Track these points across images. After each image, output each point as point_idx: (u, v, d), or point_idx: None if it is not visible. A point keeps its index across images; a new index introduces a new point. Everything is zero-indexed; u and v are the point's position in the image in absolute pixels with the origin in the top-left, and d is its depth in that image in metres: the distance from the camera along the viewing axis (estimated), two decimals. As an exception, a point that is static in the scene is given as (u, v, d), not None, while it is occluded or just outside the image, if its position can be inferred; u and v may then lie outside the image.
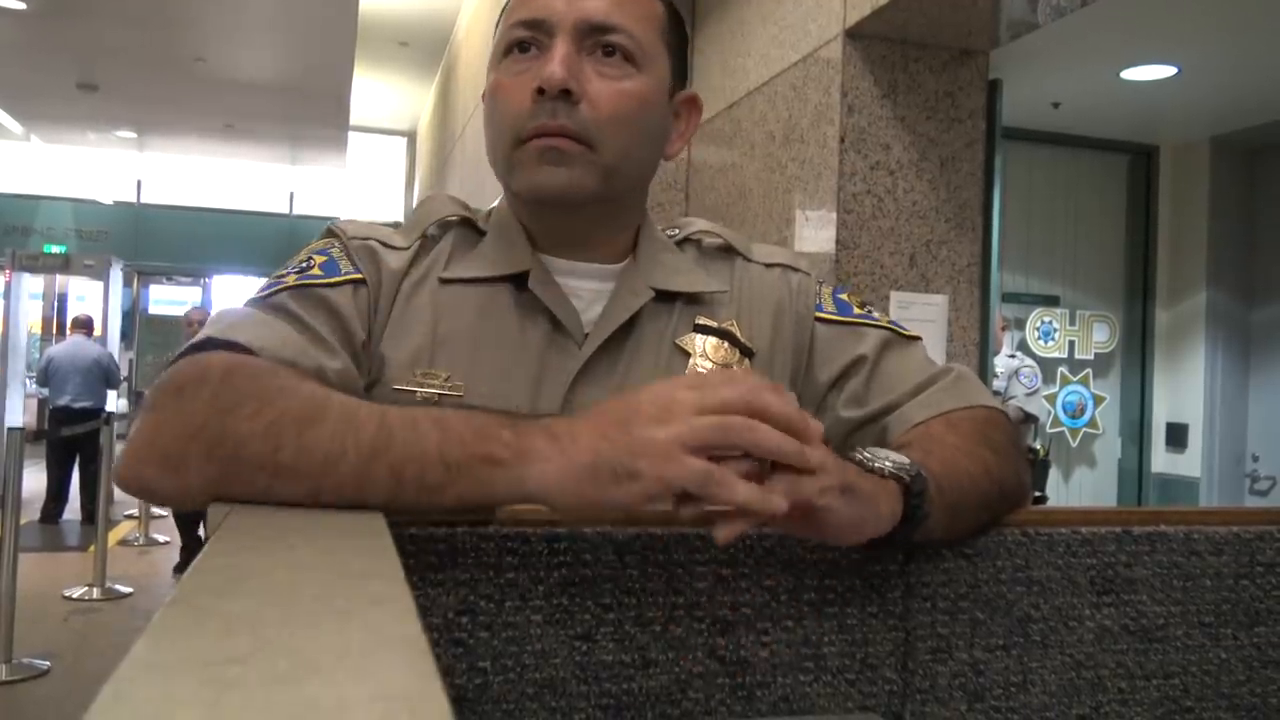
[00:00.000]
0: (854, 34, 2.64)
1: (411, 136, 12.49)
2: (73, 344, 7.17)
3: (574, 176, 0.85)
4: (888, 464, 0.71)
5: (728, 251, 0.99)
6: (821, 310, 0.95)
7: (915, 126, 2.69)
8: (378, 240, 0.89)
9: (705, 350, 0.91)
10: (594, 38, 0.85)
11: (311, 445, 0.62)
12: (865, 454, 0.72)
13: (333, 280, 0.83)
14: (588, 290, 0.91)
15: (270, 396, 0.65)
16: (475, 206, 0.96)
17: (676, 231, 0.99)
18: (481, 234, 0.93)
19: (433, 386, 0.84)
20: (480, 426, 0.64)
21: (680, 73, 0.94)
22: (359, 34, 7.08)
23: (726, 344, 0.92)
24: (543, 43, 0.86)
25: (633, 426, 0.61)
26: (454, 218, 0.93)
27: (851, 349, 0.93)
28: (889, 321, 0.96)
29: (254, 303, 0.81)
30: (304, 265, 0.85)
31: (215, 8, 6.55)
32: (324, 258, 0.86)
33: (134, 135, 11.22)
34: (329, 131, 10.26)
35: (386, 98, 10.30)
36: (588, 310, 0.90)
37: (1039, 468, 4.69)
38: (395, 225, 0.93)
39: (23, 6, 6.40)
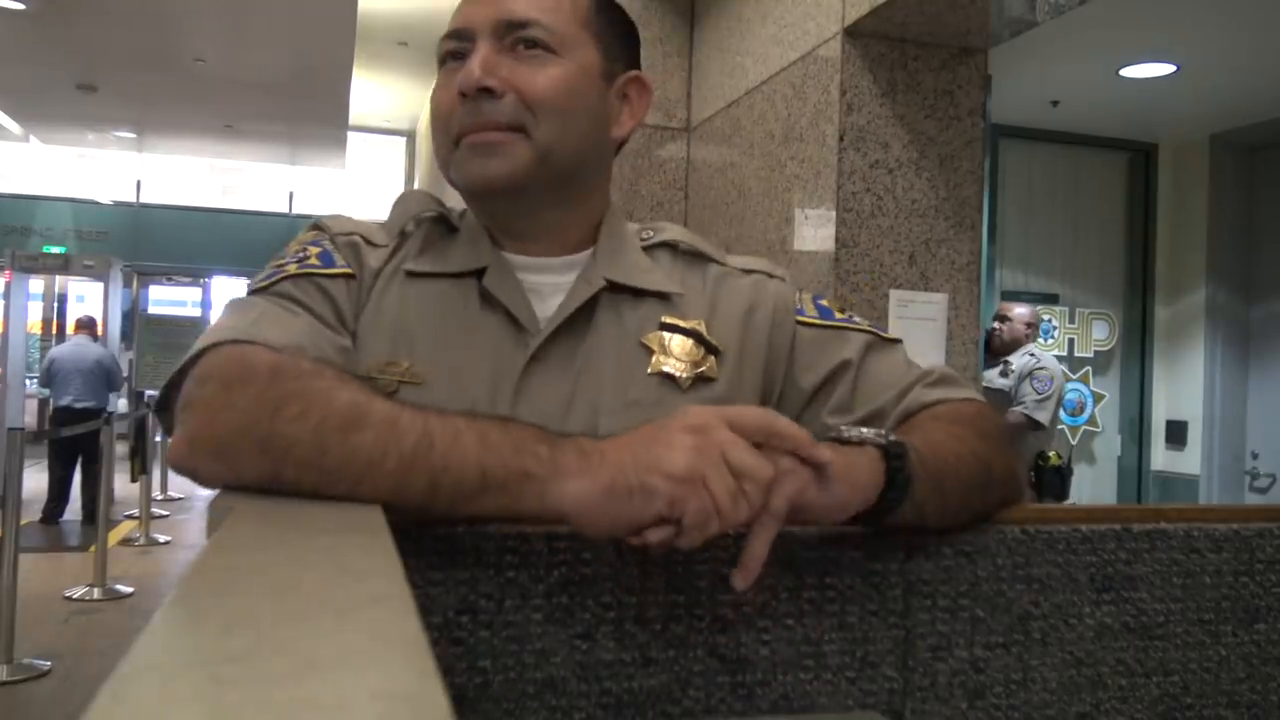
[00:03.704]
0: (853, 32, 2.64)
1: (410, 136, 12.48)
2: (75, 344, 7.21)
3: (507, 164, 0.88)
4: (864, 432, 0.73)
5: (701, 258, 1.00)
6: (803, 314, 0.97)
7: (914, 125, 2.68)
8: (361, 236, 0.93)
9: (670, 348, 0.92)
10: (512, 35, 0.89)
11: (355, 450, 0.65)
12: (841, 429, 0.75)
13: (329, 271, 0.89)
14: (547, 284, 0.93)
15: (314, 397, 0.68)
16: (450, 205, 0.99)
17: (650, 234, 1.00)
18: (453, 229, 0.96)
19: (394, 375, 0.87)
20: (518, 441, 0.66)
21: (622, 56, 0.97)
22: (358, 34, 7.07)
23: (693, 342, 0.93)
24: (469, 50, 0.90)
25: (657, 442, 0.64)
26: (429, 214, 0.97)
27: (835, 353, 0.94)
28: (870, 325, 0.98)
29: (259, 291, 0.86)
30: (301, 255, 0.90)
31: (215, 8, 6.54)
32: (318, 249, 0.91)
33: (133, 135, 11.19)
34: (328, 131, 10.24)
35: (385, 97, 10.29)
36: (547, 304, 0.92)
37: (1054, 475, 4.53)
38: (380, 223, 0.97)
39: (21, 6, 6.39)
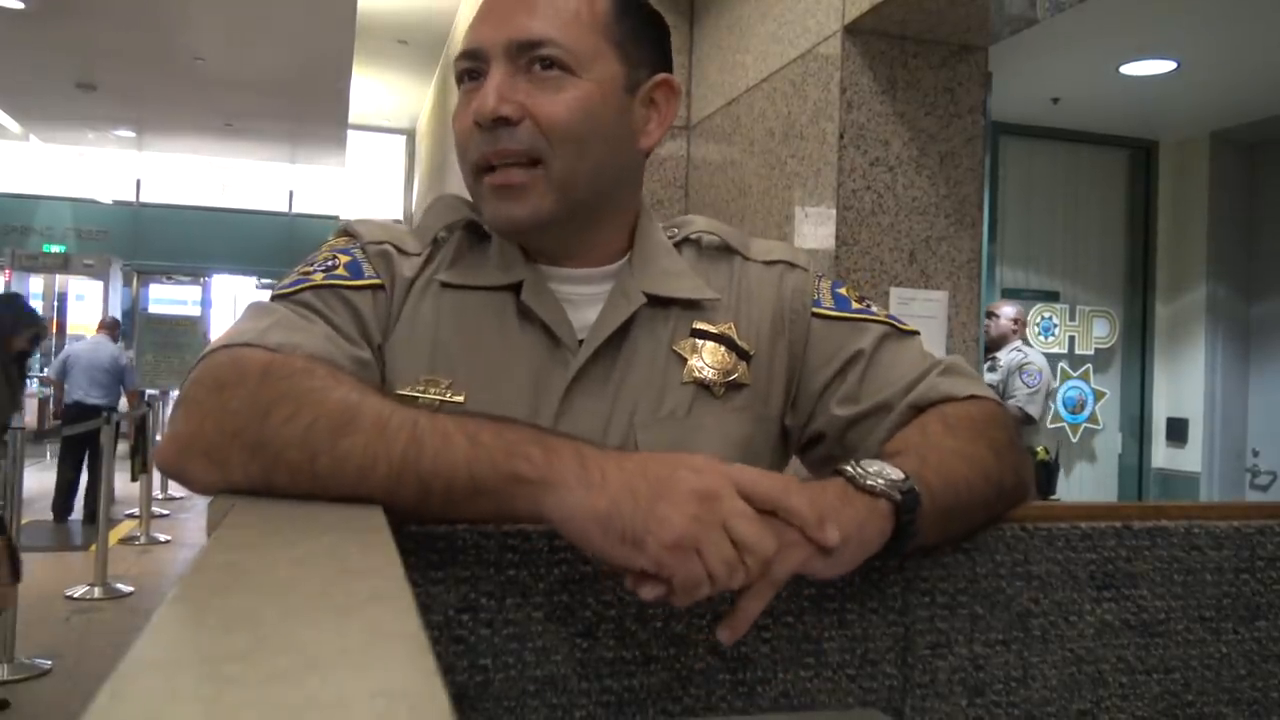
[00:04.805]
0: (853, 30, 2.64)
1: (410, 134, 12.48)
2: (93, 343, 7.42)
3: (529, 206, 0.86)
4: (879, 482, 0.71)
5: (726, 251, 0.98)
6: (819, 306, 0.95)
7: (914, 122, 2.68)
8: (392, 244, 0.91)
9: (703, 355, 0.92)
10: (526, 55, 0.86)
11: (345, 455, 0.65)
12: (857, 469, 0.72)
13: (357, 283, 0.87)
14: (583, 295, 0.92)
15: (305, 399, 0.67)
16: None
17: (676, 231, 0.99)
18: (486, 236, 0.94)
19: (433, 394, 0.86)
20: (511, 443, 0.65)
21: (648, 60, 0.93)
22: (357, 32, 7.07)
23: (724, 348, 0.92)
24: (484, 70, 0.87)
25: (662, 497, 0.63)
26: (461, 220, 0.94)
27: (850, 345, 0.93)
28: (887, 316, 0.96)
29: (281, 299, 0.84)
30: (329, 264, 0.88)
31: (214, 7, 6.54)
32: (348, 257, 0.89)
33: (133, 134, 11.20)
34: (328, 130, 10.25)
35: (385, 96, 10.29)
36: (583, 314, 0.91)
37: (1044, 470, 4.55)
38: (411, 229, 0.96)
39: (21, 6, 6.39)
